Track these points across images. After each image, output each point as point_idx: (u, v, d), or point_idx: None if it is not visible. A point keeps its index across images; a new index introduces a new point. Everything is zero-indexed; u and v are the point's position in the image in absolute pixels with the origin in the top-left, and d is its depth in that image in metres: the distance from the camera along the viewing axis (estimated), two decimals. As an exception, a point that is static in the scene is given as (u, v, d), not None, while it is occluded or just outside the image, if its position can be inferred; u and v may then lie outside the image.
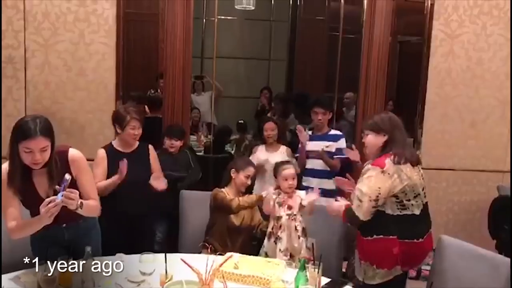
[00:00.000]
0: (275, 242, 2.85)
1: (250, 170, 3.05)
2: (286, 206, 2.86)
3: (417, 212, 2.44)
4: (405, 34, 6.49)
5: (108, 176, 3.02)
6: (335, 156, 3.68)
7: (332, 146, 3.72)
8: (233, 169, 3.05)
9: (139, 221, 3.10)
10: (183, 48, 3.97)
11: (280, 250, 2.82)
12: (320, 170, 3.68)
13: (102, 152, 3.09)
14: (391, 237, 2.40)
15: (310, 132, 3.84)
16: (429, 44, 4.05)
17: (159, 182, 3.10)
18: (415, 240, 2.43)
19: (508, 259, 2.21)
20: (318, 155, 3.68)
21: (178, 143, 3.72)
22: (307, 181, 3.74)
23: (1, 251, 2.26)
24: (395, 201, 2.40)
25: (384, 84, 4.11)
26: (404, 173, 2.39)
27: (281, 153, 3.78)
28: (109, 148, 3.12)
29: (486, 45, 3.95)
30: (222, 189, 3.05)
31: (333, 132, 3.82)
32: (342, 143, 3.73)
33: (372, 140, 2.52)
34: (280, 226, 2.85)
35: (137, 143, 3.16)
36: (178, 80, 4.03)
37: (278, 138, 3.87)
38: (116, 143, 3.15)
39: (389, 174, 2.39)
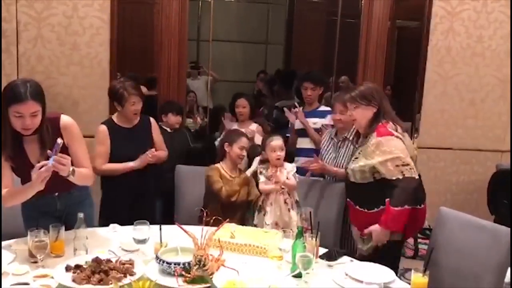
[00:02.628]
0: (264, 216, 2.85)
1: (243, 141, 3.00)
2: (274, 180, 2.84)
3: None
4: (404, 18, 6.46)
5: (111, 153, 2.95)
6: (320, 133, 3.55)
7: (318, 123, 3.61)
8: (226, 143, 3.00)
9: (141, 197, 3.04)
10: (179, 30, 3.91)
11: (266, 223, 2.83)
12: (309, 148, 3.53)
13: (104, 129, 2.97)
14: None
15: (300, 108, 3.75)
16: (429, 21, 3.99)
17: (160, 152, 3.04)
18: (418, 207, 2.47)
19: (508, 229, 2.18)
20: (305, 133, 3.59)
21: (179, 118, 3.69)
22: (298, 161, 3.58)
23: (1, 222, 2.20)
24: (403, 166, 2.40)
25: (383, 69, 4.07)
26: (406, 139, 2.44)
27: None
28: (110, 124, 3.02)
29: (487, 22, 3.89)
30: (217, 165, 3.00)
31: (322, 108, 3.70)
32: (329, 119, 3.62)
33: (362, 112, 2.49)
34: (269, 200, 2.86)
35: (138, 117, 3.07)
36: (173, 61, 3.97)
37: (251, 115, 3.81)
38: (116, 118, 3.05)
39: (399, 138, 2.41)
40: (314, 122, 3.61)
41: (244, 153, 3.00)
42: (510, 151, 3.57)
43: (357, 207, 2.56)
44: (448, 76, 3.98)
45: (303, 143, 3.61)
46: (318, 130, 3.58)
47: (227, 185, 2.90)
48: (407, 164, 2.36)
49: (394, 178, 2.37)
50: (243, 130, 3.47)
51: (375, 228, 2.43)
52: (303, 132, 3.60)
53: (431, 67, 3.98)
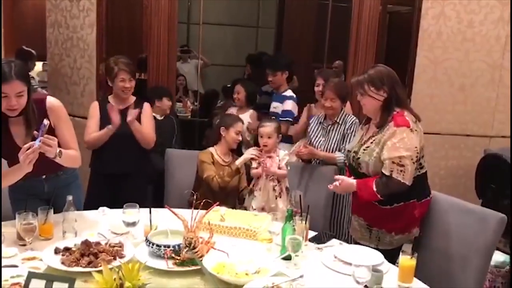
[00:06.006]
0: (252, 200, 2.87)
1: (239, 126, 3.01)
2: (263, 164, 2.84)
3: (426, 168, 2.38)
4: (395, 3, 6.44)
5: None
6: (280, 119, 3.53)
7: (278, 108, 3.65)
8: (222, 127, 2.98)
9: (127, 180, 3.04)
10: (169, 12, 3.85)
11: (252, 207, 2.85)
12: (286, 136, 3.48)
13: (95, 104, 3.08)
14: (411, 201, 2.34)
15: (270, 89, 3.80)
16: (420, 6, 3.97)
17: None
18: (428, 198, 2.41)
19: (496, 212, 2.20)
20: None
21: (171, 103, 3.71)
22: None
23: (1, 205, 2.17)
24: (417, 160, 2.27)
25: (374, 53, 4.05)
26: (420, 129, 2.30)
27: (246, 116, 3.74)
28: (104, 102, 3.08)
29: (478, 7, 3.87)
30: (210, 148, 2.99)
31: (285, 93, 3.75)
32: (287, 104, 3.66)
33: (370, 100, 2.30)
34: (258, 185, 2.87)
35: (133, 99, 3.10)
36: (163, 44, 3.92)
37: (248, 102, 3.85)
38: (111, 97, 3.11)
39: (416, 131, 2.25)
40: (275, 106, 3.67)
41: (240, 137, 3.00)
42: (510, 142, 3.57)
43: (361, 202, 2.39)
44: (438, 61, 3.97)
45: None
46: (278, 115, 3.60)
47: (219, 170, 2.89)
48: (402, 165, 2.20)
49: (383, 171, 2.25)
50: (240, 116, 3.45)
51: (350, 182, 2.35)
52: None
53: (421, 52, 3.97)
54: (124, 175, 3.04)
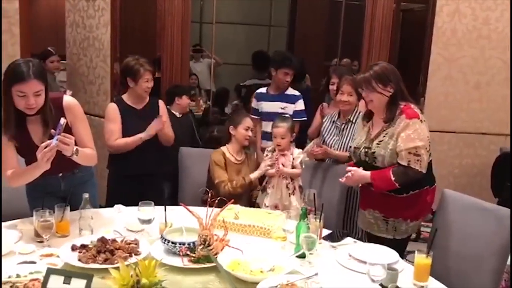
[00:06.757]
0: (265, 197, 2.88)
1: (248, 121, 3.00)
2: (277, 164, 2.84)
3: (432, 154, 2.46)
4: (409, 1, 6.39)
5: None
6: (294, 120, 3.36)
7: (289, 108, 3.54)
8: (231, 126, 2.99)
9: (152, 180, 3.05)
10: (182, 11, 3.88)
11: (265, 204, 2.85)
12: None
13: (114, 107, 2.99)
14: (425, 188, 2.43)
15: (264, 90, 3.67)
16: (435, 3, 3.94)
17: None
18: (435, 184, 2.51)
19: (512, 211, 2.18)
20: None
21: (189, 101, 3.74)
22: (264, 144, 3.53)
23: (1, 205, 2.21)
24: None
25: (387, 52, 4.04)
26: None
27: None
28: (120, 103, 3.02)
29: (494, 4, 3.84)
30: (222, 148, 3.00)
31: (290, 92, 3.59)
32: (300, 104, 3.57)
33: (378, 96, 2.36)
34: (271, 182, 2.88)
35: (148, 98, 3.07)
36: (176, 43, 3.95)
37: None
38: (127, 97, 3.05)
39: (425, 121, 2.37)
40: (283, 107, 3.53)
41: (250, 133, 2.99)
42: (511, 142, 3.54)
43: (377, 191, 2.42)
44: (453, 58, 3.94)
45: (268, 126, 3.48)
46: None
47: (232, 172, 2.90)
48: (418, 155, 2.30)
49: (399, 161, 2.33)
50: None
51: (363, 173, 2.40)
52: (275, 117, 3.56)
53: (436, 50, 3.94)
54: (149, 175, 3.03)
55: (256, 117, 3.58)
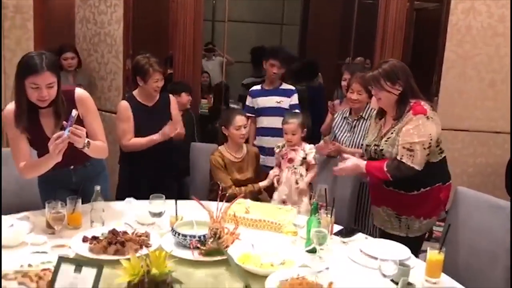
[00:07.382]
0: (274, 191, 2.88)
1: (238, 120, 2.94)
2: (287, 159, 2.83)
3: (446, 153, 2.44)
4: (423, 0, 6.32)
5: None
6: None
7: (285, 102, 3.56)
8: (222, 127, 2.98)
9: (158, 175, 3.03)
10: (194, 8, 3.88)
11: (274, 199, 2.85)
12: (276, 128, 3.36)
13: (126, 105, 2.98)
14: (437, 185, 2.40)
15: (259, 87, 3.67)
16: (449, 1, 3.89)
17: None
18: (450, 181, 2.48)
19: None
20: (274, 112, 3.52)
21: (190, 98, 3.73)
22: (260, 140, 3.58)
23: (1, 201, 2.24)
24: (436, 146, 2.36)
25: (401, 50, 3.99)
26: (437, 117, 2.36)
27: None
28: (132, 100, 3.02)
29: (509, 1, 3.78)
30: (220, 147, 2.99)
31: (284, 86, 3.62)
32: (295, 98, 3.59)
33: (387, 94, 2.34)
34: (281, 178, 2.88)
35: (158, 95, 3.07)
36: (188, 40, 3.95)
37: None
38: (137, 94, 3.05)
39: (432, 118, 2.31)
40: (279, 101, 3.56)
41: (243, 131, 2.95)
42: (511, 142, 3.48)
43: (391, 188, 2.44)
44: (468, 56, 3.89)
45: (265, 121, 3.57)
46: (284, 110, 3.48)
47: (232, 169, 2.91)
48: (411, 150, 2.26)
49: (396, 156, 2.31)
50: None
51: (357, 162, 2.43)
52: (271, 111, 3.56)
53: (450, 47, 3.90)
54: (159, 171, 3.03)
55: (251, 115, 3.56)
